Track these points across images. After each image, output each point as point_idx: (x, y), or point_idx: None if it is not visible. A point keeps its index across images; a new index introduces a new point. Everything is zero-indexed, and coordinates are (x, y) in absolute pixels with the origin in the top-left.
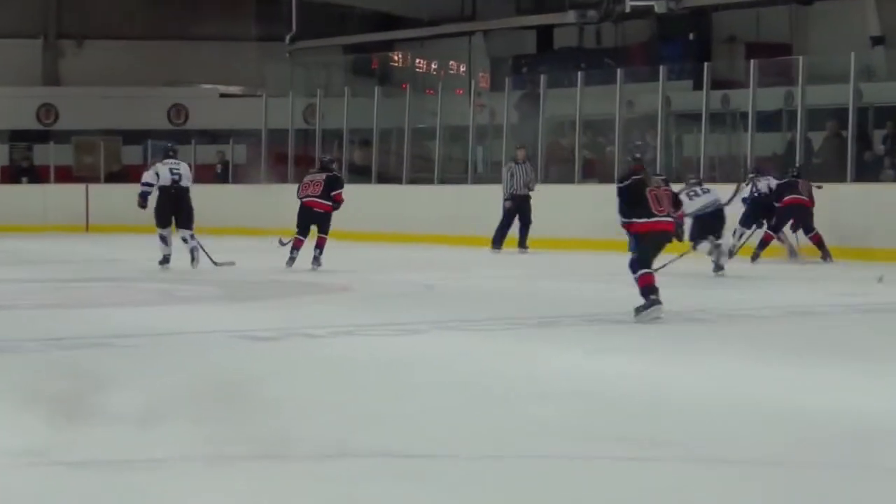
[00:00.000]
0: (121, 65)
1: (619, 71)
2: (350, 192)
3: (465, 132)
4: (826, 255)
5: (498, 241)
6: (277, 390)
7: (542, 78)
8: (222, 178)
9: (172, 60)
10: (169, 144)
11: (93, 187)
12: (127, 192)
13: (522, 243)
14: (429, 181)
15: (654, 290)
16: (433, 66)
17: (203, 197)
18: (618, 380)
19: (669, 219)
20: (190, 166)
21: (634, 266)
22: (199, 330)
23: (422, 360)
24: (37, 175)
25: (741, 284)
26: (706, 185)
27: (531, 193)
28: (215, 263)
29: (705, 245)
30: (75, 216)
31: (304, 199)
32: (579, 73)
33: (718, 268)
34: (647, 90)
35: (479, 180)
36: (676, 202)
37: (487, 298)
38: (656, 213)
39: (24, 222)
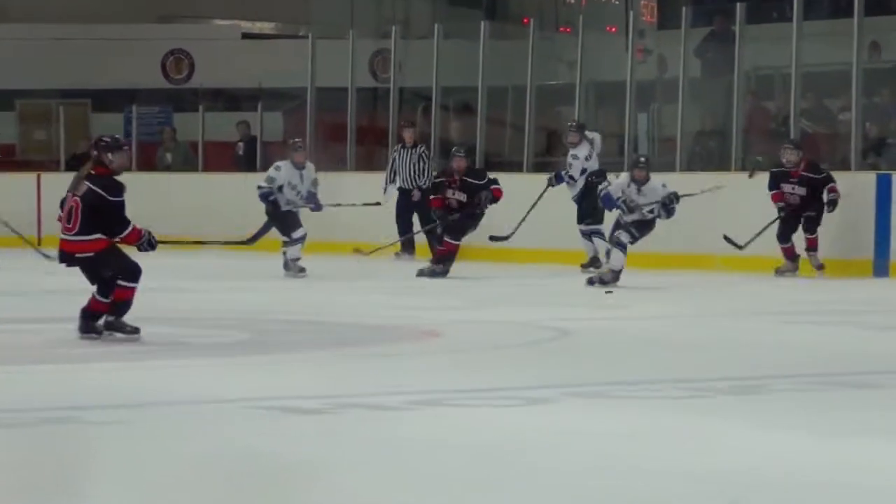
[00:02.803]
0: None
1: None
2: None
3: (621, 92)
4: None
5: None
6: (326, 487)
7: (739, 8)
8: (246, 163)
9: None
10: None
11: (47, 177)
12: None
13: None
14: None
15: None
16: None
17: (218, 191)
18: (874, 476)
19: None
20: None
21: None
22: (212, 397)
23: (547, 446)
24: None
25: None
26: None
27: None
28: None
29: None
30: (21, 220)
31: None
32: (795, 1)
33: None
34: None
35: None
36: None
37: (653, 348)
38: None
39: None
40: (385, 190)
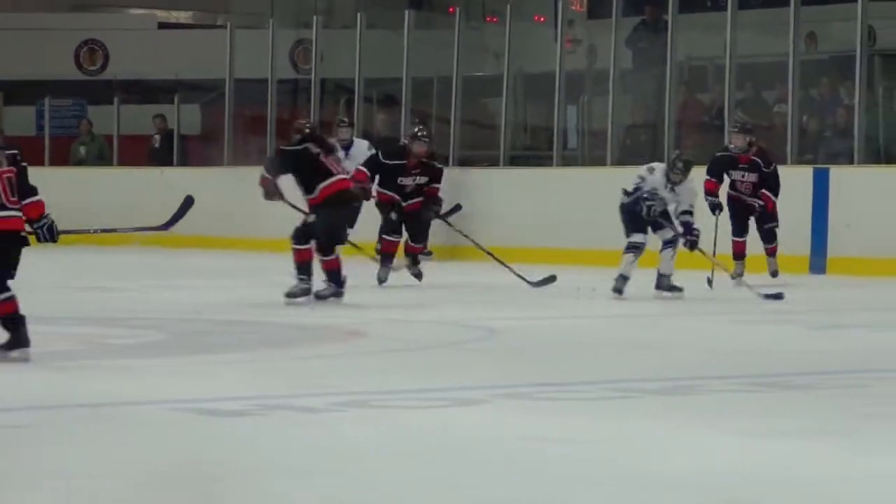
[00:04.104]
0: None
1: None
2: None
3: (550, 83)
4: None
5: None
6: (251, 491)
7: None
8: (162, 157)
9: None
10: None
11: None
12: None
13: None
14: (492, 161)
15: None
16: None
17: (131, 186)
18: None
19: None
20: (109, 139)
21: None
22: (135, 399)
23: (474, 449)
24: None
25: None
26: None
27: None
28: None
29: None
30: None
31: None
32: None
33: None
34: (838, 16)
35: (570, 161)
36: None
37: (583, 349)
38: None
39: None
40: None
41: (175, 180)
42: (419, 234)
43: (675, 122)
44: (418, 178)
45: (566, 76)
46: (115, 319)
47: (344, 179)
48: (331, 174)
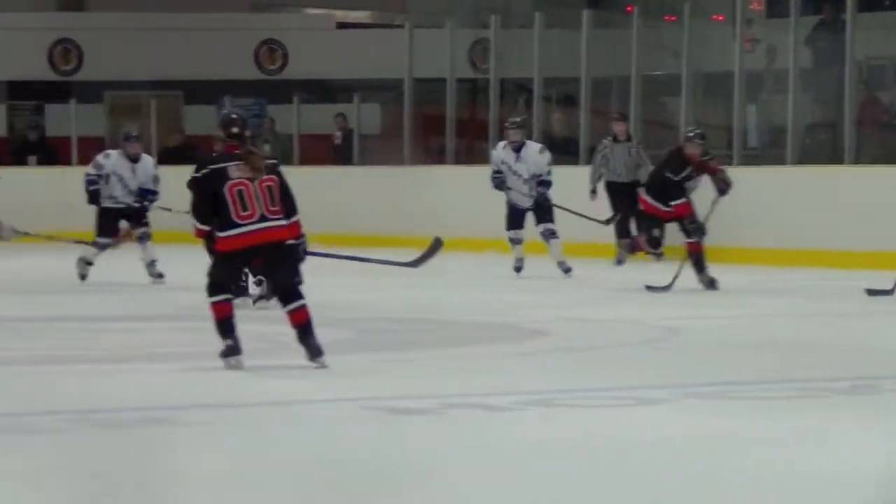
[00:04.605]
0: None
1: None
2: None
3: (728, 82)
4: None
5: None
6: (431, 490)
7: None
8: (343, 155)
9: None
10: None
11: None
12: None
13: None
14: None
15: None
16: None
17: (311, 184)
18: None
19: None
20: (289, 138)
21: None
22: (312, 398)
23: (658, 448)
24: (50, 151)
25: None
26: None
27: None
28: None
29: None
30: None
31: None
32: None
33: None
34: None
35: (750, 160)
36: None
37: (762, 348)
38: None
39: (33, 226)
40: (594, 189)
41: (353, 180)
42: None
43: (854, 122)
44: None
45: (745, 75)
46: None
47: None
48: None
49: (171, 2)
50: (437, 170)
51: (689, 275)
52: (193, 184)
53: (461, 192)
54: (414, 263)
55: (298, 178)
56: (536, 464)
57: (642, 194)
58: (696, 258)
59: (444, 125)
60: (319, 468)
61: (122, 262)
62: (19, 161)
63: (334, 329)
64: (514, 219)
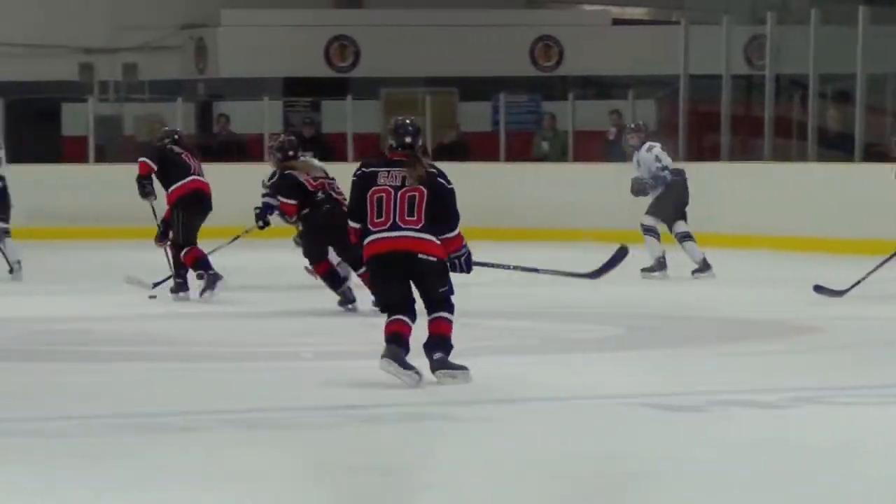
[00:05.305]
0: None
1: None
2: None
3: None
4: None
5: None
6: (696, 488)
7: None
8: (615, 150)
9: None
10: None
11: None
12: (468, 175)
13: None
14: None
15: None
16: None
17: (586, 181)
18: None
19: None
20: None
21: None
22: (576, 394)
23: None
24: (326, 148)
25: None
26: None
27: None
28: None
29: None
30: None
31: None
32: None
33: None
34: None
35: None
36: None
37: None
38: None
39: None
40: None
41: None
42: None
43: None
44: None
45: None
46: (568, 315)
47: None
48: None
49: None
50: (711, 167)
51: None
52: (352, 184)
53: (735, 189)
54: (595, 274)
55: (572, 174)
56: (806, 463)
57: None
58: None
59: (719, 122)
60: (580, 464)
61: None
62: (292, 155)
63: (606, 326)
64: None
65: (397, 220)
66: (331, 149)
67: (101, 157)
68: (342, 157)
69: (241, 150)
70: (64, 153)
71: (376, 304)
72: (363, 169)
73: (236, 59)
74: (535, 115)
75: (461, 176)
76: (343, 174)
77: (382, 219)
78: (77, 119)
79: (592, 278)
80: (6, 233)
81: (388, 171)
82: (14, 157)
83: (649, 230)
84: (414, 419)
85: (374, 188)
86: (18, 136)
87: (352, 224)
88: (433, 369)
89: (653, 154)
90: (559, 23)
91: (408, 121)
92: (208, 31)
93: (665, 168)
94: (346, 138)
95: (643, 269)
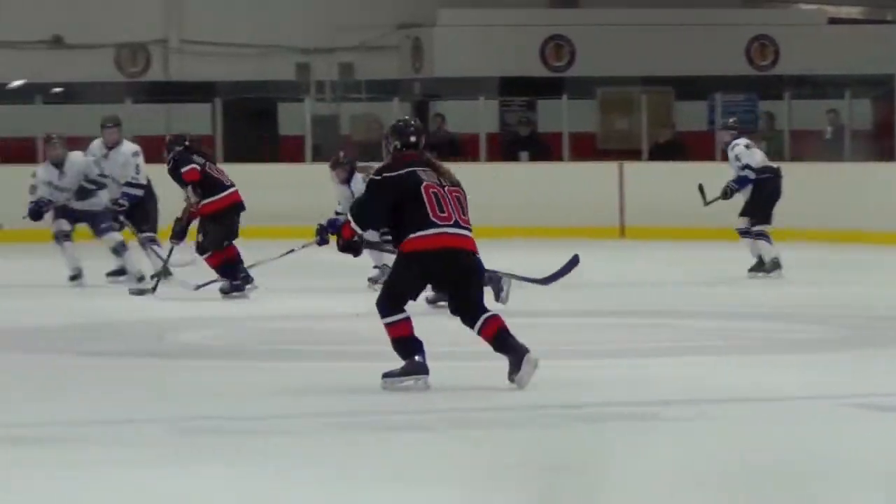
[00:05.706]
0: None
1: None
2: None
3: None
4: None
5: None
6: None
7: None
8: (832, 148)
9: None
10: None
11: (629, 167)
12: (683, 174)
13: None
14: None
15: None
16: None
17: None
18: None
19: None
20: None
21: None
22: (788, 394)
23: None
24: (542, 147)
25: None
26: None
27: None
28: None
29: None
30: (601, 212)
31: None
32: None
33: None
34: None
35: None
36: None
37: None
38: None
39: (518, 222)
40: None
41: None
42: None
43: None
44: None
45: None
46: (790, 315)
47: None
48: None
49: None
50: None
51: None
52: (379, 184)
53: None
54: (547, 280)
55: (790, 173)
56: None
57: None
58: None
59: None
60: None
61: None
62: (510, 156)
63: (824, 327)
64: None
65: (458, 218)
66: (547, 148)
67: (318, 156)
68: (558, 157)
69: (454, 148)
70: (281, 153)
71: (431, 300)
72: (398, 171)
73: (452, 58)
74: (751, 114)
75: (676, 175)
76: (557, 175)
77: (445, 214)
78: (294, 119)
79: (544, 284)
80: (153, 241)
81: (424, 170)
82: (231, 156)
83: (744, 233)
84: (609, 418)
85: (425, 183)
86: (236, 136)
87: (354, 227)
88: (523, 363)
89: (733, 153)
90: (775, 22)
91: (412, 121)
92: (425, 31)
93: (746, 167)
94: (561, 138)
95: (749, 269)
